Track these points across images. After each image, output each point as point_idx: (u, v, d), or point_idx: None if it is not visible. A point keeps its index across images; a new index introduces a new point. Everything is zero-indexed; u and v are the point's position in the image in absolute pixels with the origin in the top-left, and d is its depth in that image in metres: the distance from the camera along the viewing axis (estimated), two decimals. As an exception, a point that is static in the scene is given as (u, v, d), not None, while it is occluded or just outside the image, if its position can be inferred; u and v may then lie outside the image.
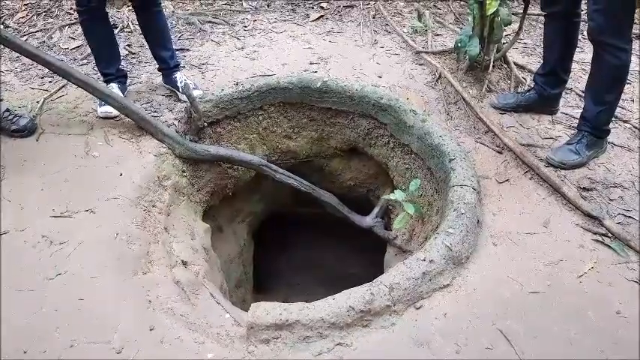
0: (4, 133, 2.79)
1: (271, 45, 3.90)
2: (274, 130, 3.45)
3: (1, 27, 3.99)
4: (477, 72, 3.34)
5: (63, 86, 3.21)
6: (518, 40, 3.40)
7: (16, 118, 2.80)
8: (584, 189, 2.58)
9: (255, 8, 4.58)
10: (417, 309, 2.06)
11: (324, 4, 4.61)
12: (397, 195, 2.68)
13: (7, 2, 4.42)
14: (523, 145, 2.82)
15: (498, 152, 2.83)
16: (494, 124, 2.94)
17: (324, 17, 4.40)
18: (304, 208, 3.91)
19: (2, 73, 3.41)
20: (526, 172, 2.70)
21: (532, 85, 3.14)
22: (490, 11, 2.86)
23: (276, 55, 3.72)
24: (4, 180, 2.54)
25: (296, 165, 3.59)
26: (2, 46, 3.33)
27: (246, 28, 4.19)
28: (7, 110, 2.81)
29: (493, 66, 3.30)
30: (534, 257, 2.26)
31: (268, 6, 4.64)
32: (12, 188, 2.50)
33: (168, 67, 3.16)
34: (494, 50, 3.28)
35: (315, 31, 4.13)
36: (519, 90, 3.29)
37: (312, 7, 4.59)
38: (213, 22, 4.26)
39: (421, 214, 2.80)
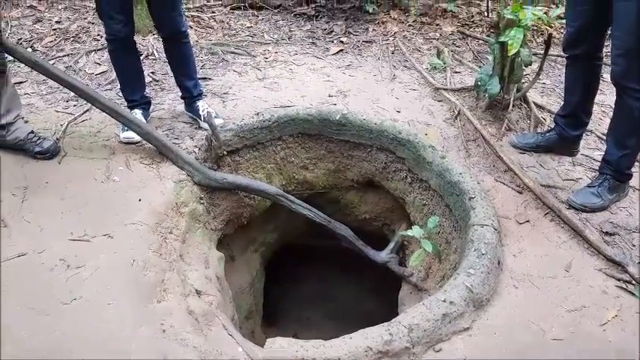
0: (27, 155, 2.82)
1: (291, 77, 3.95)
2: (292, 161, 3.47)
3: (30, 50, 4.08)
4: (497, 110, 3.35)
5: (87, 110, 3.26)
6: (538, 81, 3.41)
7: (40, 140, 2.83)
8: (607, 233, 2.54)
9: (277, 40, 4.66)
10: (437, 352, 2.01)
11: (344, 39, 4.69)
12: (415, 232, 2.66)
13: (36, 27, 4.54)
14: (543, 185, 2.80)
15: (518, 192, 2.81)
16: (514, 164, 2.92)
17: (344, 51, 4.46)
18: (318, 240, 3.89)
19: (28, 96, 3.47)
20: (547, 213, 2.67)
21: (552, 126, 3.14)
22: (512, 52, 2.87)
23: (296, 87, 3.76)
24: (25, 201, 2.55)
25: (312, 196, 3.60)
26: (30, 69, 3.39)
27: (267, 60, 4.25)
28: (32, 132, 2.84)
29: (513, 105, 3.31)
30: (556, 302, 2.21)
31: (289, 39, 4.72)
32: (32, 210, 2.50)
33: (191, 96, 3.21)
34: (514, 90, 3.30)
35: (334, 65, 4.18)
36: (539, 130, 3.29)
37: (332, 41, 4.67)
38: (236, 53, 4.33)
39: (438, 252, 2.77)
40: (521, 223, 2.63)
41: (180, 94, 3.29)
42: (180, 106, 3.36)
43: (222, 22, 5.01)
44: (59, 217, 2.48)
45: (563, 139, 3.01)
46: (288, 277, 4.54)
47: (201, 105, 3.21)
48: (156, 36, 4.35)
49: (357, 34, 4.81)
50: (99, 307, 2.08)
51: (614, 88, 2.55)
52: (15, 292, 2.11)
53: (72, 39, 4.37)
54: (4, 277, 2.17)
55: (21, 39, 4.30)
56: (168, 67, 3.49)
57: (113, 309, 2.09)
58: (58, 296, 2.10)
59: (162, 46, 3.31)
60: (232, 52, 4.34)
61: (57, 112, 3.31)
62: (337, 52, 4.43)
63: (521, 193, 2.80)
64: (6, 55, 2.67)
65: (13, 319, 2.01)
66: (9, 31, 4.36)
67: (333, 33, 4.84)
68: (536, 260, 2.42)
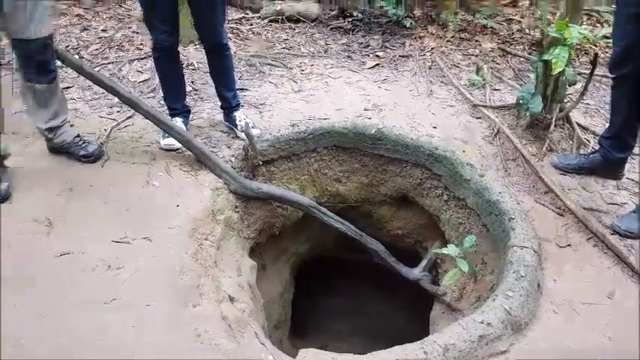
0: (73, 158, 2.90)
1: (327, 90, 3.96)
2: (325, 173, 3.47)
3: (77, 57, 4.20)
4: (538, 130, 3.29)
5: (129, 117, 3.33)
6: (582, 101, 3.35)
7: (85, 144, 2.92)
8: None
9: (313, 53, 4.69)
10: (472, 374, 1.97)
11: (380, 53, 4.69)
12: (450, 250, 2.62)
13: (83, 35, 4.68)
14: (586, 209, 2.73)
15: (559, 215, 2.75)
16: (555, 185, 2.87)
17: (380, 65, 4.46)
18: (350, 254, 3.87)
19: (74, 101, 3.56)
20: (589, 237, 2.60)
21: (596, 148, 3.07)
22: (556, 71, 2.83)
23: (332, 100, 3.77)
24: (70, 202, 2.62)
25: (344, 209, 3.58)
26: (76, 75, 3.49)
27: (303, 72, 4.28)
28: (78, 136, 2.94)
29: (555, 125, 3.24)
30: (598, 330, 2.15)
31: (325, 52, 4.75)
32: (76, 211, 2.57)
33: (229, 106, 3.25)
34: (557, 109, 3.24)
35: (370, 79, 4.18)
36: (582, 151, 3.22)
37: (368, 55, 4.68)
38: (272, 65, 4.37)
39: (474, 272, 2.72)
40: (562, 247, 2.57)
41: (218, 103, 3.34)
42: (219, 116, 3.40)
43: (260, 34, 5.08)
44: (101, 219, 2.54)
45: (608, 161, 2.93)
46: (317, 288, 4.52)
47: (239, 115, 3.25)
48: (197, 46, 4.43)
49: (393, 48, 4.81)
50: (137, 308, 2.12)
51: None
52: (57, 290, 2.17)
53: (116, 47, 4.49)
54: (49, 274, 2.23)
55: (68, 46, 4.43)
56: (207, 77, 3.55)
57: (151, 310, 2.13)
58: (99, 296, 2.15)
59: (203, 57, 3.37)
60: (269, 64, 4.38)
61: (101, 117, 3.40)
62: (373, 66, 4.44)
63: (562, 215, 2.74)
64: (57, 61, 2.77)
65: (55, 315, 2.06)
66: (57, 39, 4.49)
67: (370, 47, 4.85)
68: (577, 285, 2.36)
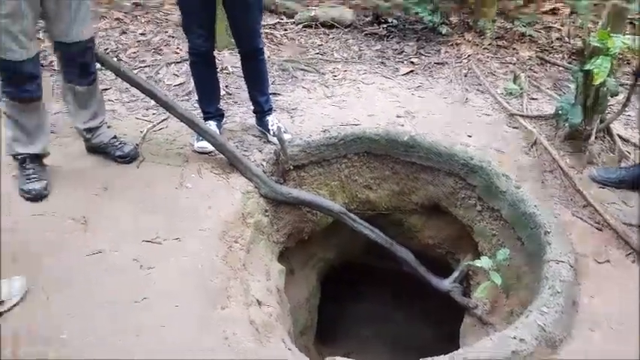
0: (109, 158, 2.97)
1: (359, 96, 3.94)
2: (356, 180, 3.45)
3: (115, 60, 4.29)
4: (577, 141, 3.19)
5: (165, 119, 3.38)
6: (623, 112, 3.24)
7: (121, 145, 2.98)
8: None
9: (346, 59, 4.68)
10: (503, 390, 1.92)
11: (415, 60, 4.65)
12: (483, 262, 2.58)
13: (121, 38, 4.79)
14: (626, 224, 2.63)
15: (598, 229, 2.66)
16: (594, 199, 2.77)
17: (414, 72, 4.42)
18: (378, 261, 3.83)
19: (112, 102, 3.64)
20: (629, 253, 2.51)
21: (637, 161, 2.96)
22: (597, 81, 2.74)
23: (364, 106, 3.75)
24: (105, 201, 2.68)
25: (374, 216, 3.55)
26: (114, 77, 3.56)
27: (335, 78, 4.27)
28: (115, 137, 3.00)
29: (595, 137, 3.14)
30: (636, 350, 2.06)
31: (359, 58, 4.73)
32: (111, 210, 2.62)
33: (262, 111, 3.27)
34: (597, 120, 3.14)
35: (404, 85, 4.14)
36: (623, 164, 3.11)
37: (402, 62, 4.64)
38: (305, 70, 4.38)
39: (507, 286, 2.66)
40: (600, 263, 2.48)
41: (251, 108, 3.36)
42: (251, 120, 3.42)
43: (294, 39, 5.10)
44: (135, 218, 2.58)
45: (650, 175, 2.84)
46: (344, 294, 4.50)
47: (271, 120, 3.26)
48: (231, 51, 4.47)
49: (428, 55, 4.76)
50: (167, 309, 2.15)
51: None
52: (90, 287, 2.21)
53: (153, 51, 4.57)
54: (82, 272, 2.28)
55: (107, 49, 4.53)
56: (241, 81, 3.58)
57: (180, 311, 2.15)
58: (130, 294, 2.18)
59: (238, 62, 3.40)
60: (302, 69, 4.39)
61: (137, 119, 3.46)
62: (407, 73, 4.39)
63: (601, 230, 2.65)
64: (97, 64, 2.84)
65: (87, 312, 2.10)
66: (97, 42, 4.58)
67: (404, 53, 4.81)
68: (615, 304, 2.27)
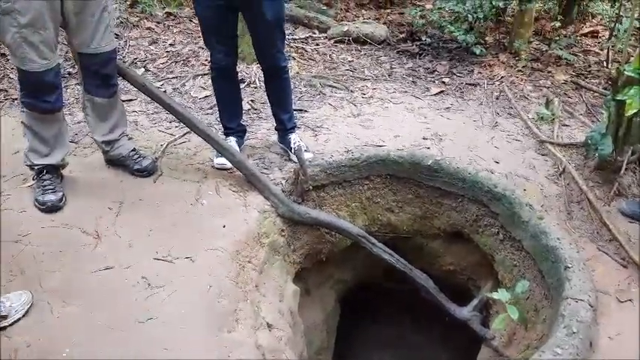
0: (127, 171, 2.98)
1: (387, 115, 3.89)
2: (377, 202, 3.41)
3: (143, 70, 4.37)
4: (607, 172, 3.06)
5: (187, 132, 3.39)
6: (657, 144, 3.10)
7: (139, 159, 2.98)
8: None
9: (376, 77, 4.64)
10: None
11: (446, 80, 4.57)
12: (501, 295, 2.49)
13: (151, 47, 4.86)
14: (654, 261, 2.51)
15: (623, 266, 2.54)
16: (621, 233, 2.66)
17: (445, 92, 4.34)
18: (397, 285, 3.76)
19: (136, 113, 3.69)
20: (654, 293, 2.39)
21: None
22: (630, 112, 2.63)
23: (390, 126, 3.70)
24: (119, 216, 2.69)
25: (394, 240, 3.49)
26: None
27: (364, 96, 4.23)
28: (134, 150, 3.01)
29: (626, 169, 3.01)
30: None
31: (389, 75, 4.68)
32: (124, 225, 2.64)
33: (284, 129, 3.25)
34: (629, 152, 3.01)
35: (433, 106, 4.07)
36: (654, 198, 2.97)
37: (434, 81, 4.57)
38: (334, 87, 4.36)
39: (525, 320, 2.56)
40: (622, 302, 2.37)
41: (275, 124, 3.36)
42: (274, 137, 3.41)
43: (325, 54, 5.08)
44: (148, 234, 2.59)
45: (680, 211, 2.70)
46: (362, 317, 4.43)
47: (294, 138, 3.24)
48: (259, 65, 4.49)
49: (460, 75, 4.67)
50: (172, 330, 2.13)
51: None
52: (96, 304, 2.22)
53: (182, 62, 4.61)
54: (90, 288, 2.29)
55: (136, 58, 4.60)
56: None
57: (184, 334, 2.13)
58: (135, 314, 2.18)
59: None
60: (330, 86, 4.37)
61: (160, 131, 3.49)
62: (438, 93, 4.32)
63: (626, 267, 2.54)
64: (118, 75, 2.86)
65: (91, 331, 2.10)
66: (126, 50, 4.68)
67: (436, 73, 4.74)
68: (635, 346, 2.16)
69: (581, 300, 2.23)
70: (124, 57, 4.51)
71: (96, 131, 2.92)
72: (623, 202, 2.90)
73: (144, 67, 4.46)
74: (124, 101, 3.30)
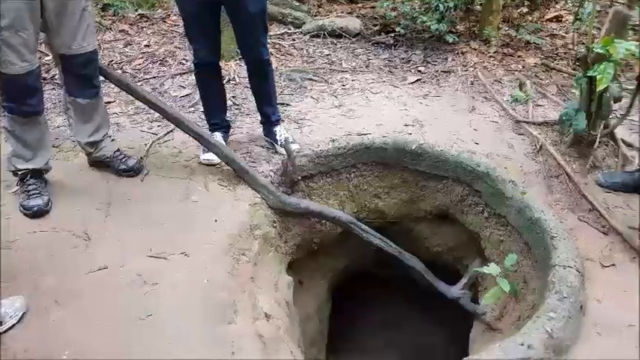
0: (112, 172, 2.96)
1: (367, 105, 3.96)
2: (365, 189, 3.46)
3: (119, 72, 4.34)
4: (582, 147, 3.18)
5: (170, 131, 3.40)
6: (627, 117, 3.22)
7: (125, 158, 2.97)
8: None
9: (354, 68, 4.71)
10: (512, 398, 1.91)
11: (422, 68, 4.66)
12: (491, 269, 2.56)
13: (126, 50, 4.83)
14: (631, 227, 2.62)
15: (603, 233, 2.66)
16: (599, 203, 2.77)
17: (421, 81, 4.43)
18: (388, 270, 3.82)
19: (116, 115, 3.67)
20: (634, 257, 2.50)
21: (642, 166, 2.95)
22: (601, 87, 2.73)
23: (372, 115, 3.77)
24: (109, 216, 2.68)
25: (383, 225, 3.55)
26: (120, 90, 3.59)
27: (344, 87, 4.29)
28: (118, 150, 2.99)
29: (599, 142, 3.13)
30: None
31: (366, 67, 4.75)
32: (114, 225, 2.63)
33: (269, 122, 3.29)
34: (602, 126, 3.13)
35: (411, 94, 4.16)
36: (627, 169, 3.10)
37: (410, 71, 4.65)
38: (313, 80, 4.41)
39: (516, 292, 2.64)
40: (606, 267, 2.48)
41: (259, 118, 3.38)
42: (259, 131, 3.44)
43: (302, 49, 5.13)
44: (139, 233, 2.58)
45: (653, 179, 2.82)
46: (355, 305, 4.48)
47: (279, 130, 3.28)
48: (238, 62, 4.51)
49: (435, 63, 4.77)
50: (172, 325, 2.14)
51: None
52: (94, 304, 2.21)
53: (159, 62, 4.60)
54: (85, 289, 2.28)
55: (112, 61, 4.57)
56: (249, 91, 3.60)
57: (186, 328, 2.14)
58: (134, 311, 2.18)
59: (245, 72, 3.43)
60: (310, 79, 4.42)
61: (142, 131, 3.48)
62: (415, 82, 4.41)
63: (606, 234, 2.65)
64: (100, 77, 2.85)
65: (91, 331, 2.10)
66: (101, 53, 4.61)
67: (411, 62, 4.83)
68: (622, 307, 2.26)
69: (569, 267, 2.32)
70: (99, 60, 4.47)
71: (79, 133, 2.89)
72: (599, 174, 3.01)
73: (120, 70, 4.42)
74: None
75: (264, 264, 2.85)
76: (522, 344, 2.01)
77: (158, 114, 3.19)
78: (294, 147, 3.13)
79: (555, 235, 2.49)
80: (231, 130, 3.42)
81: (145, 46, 4.92)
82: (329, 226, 3.27)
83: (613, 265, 2.49)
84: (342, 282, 4.08)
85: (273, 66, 4.52)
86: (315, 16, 5.82)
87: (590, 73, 2.86)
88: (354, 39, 5.35)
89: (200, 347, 2.07)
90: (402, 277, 3.35)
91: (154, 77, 4.33)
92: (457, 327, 3.32)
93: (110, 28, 5.19)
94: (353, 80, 4.40)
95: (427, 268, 3.16)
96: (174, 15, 5.56)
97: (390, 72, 4.62)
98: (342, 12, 6.00)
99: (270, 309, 2.57)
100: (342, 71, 4.61)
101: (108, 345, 2.04)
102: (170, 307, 2.22)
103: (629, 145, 3.32)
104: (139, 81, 4.24)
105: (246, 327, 2.28)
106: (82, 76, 2.70)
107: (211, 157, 3.04)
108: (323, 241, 3.40)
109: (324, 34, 5.35)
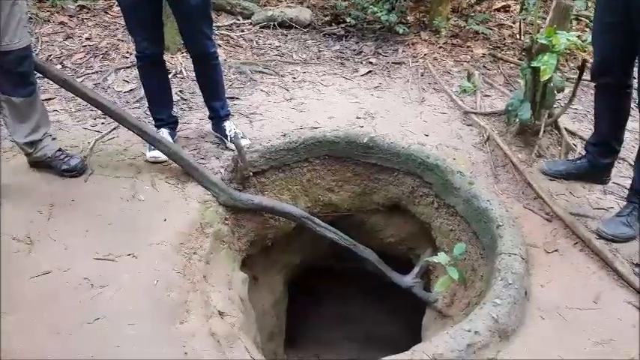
0: (54, 172, 2.85)
1: (319, 98, 3.95)
2: (317, 183, 3.46)
3: (60, 67, 4.16)
4: (527, 136, 3.29)
5: (114, 128, 3.29)
6: (570, 106, 3.34)
7: (67, 158, 2.86)
8: (637, 265, 2.46)
9: (305, 60, 4.68)
10: (460, 383, 1.95)
11: (373, 60, 4.68)
12: (441, 258, 2.61)
13: (66, 43, 4.61)
14: (573, 214, 2.73)
15: (547, 220, 2.75)
16: (544, 191, 2.86)
17: (373, 72, 4.46)
18: (342, 263, 3.85)
19: (57, 112, 3.52)
20: (576, 243, 2.60)
21: (583, 153, 3.07)
22: (544, 77, 2.82)
23: (324, 108, 3.76)
24: (52, 219, 2.58)
25: (337, 218, 3.56)
26: (59, 87, 3.45)
27: (295, 80, 4.27)
28: (59, 150, 2.88)
29: (544, 131, 3.24)
30: (584, 334, 2.15)
31: (318, 59, 4.74)
32: (58, 228, 2.53)
33: (218, 117, 3.23)
34: (546, 115, 3.23)
35: (362, 86, 4.17)
36: (570, 157, 3.22)
37: (361, 62, 4.67)
38: (264, 73, 4.36)
39: (464, 279, 2.71)
40: (549, 253, 2.57)
41: (207, 113, 3.32)
42: (208, 126, 3.38)
43: (251, 40, 5.06)
44: (84, 235, 2.50)
45: (594, 167, 2.94)
46: (311, 299, 4.50)
47: (229, 125, 3.22)
48: (184, 54, 4.40)
49: (386, 55, 4.80)
50: (122, 328, 2.09)
51: None
52: (39, 310, 2.13)
53: (101, 56, 4.42)
54: (29, 295, 2.19)
55: (51, 55, 4.37)
56: (196, 86, 3.52)
57: (135, 329, 2.09)
58: (82, 315, 2.11)
59: (192, 65, 3.34)
60: (260, 72, 4.37)
61: (85, 129, 3.35)
62: (366, 73, 4.43)
63: (550, 221, 2.74)
64: (35, 72, 2.72)
65: (37, 338, 2.02)
66: (39, 48, 4.43)
67: (362, 54, 4.84)
68: (564, 291, 2.36)
69: (514, 254, 2.39)
70: (37, 55, 4.27)
71: (17, 133, 2.76)
72: (544, 163, 3.11)
73: (60, 64, 4.23)
74: (42, 100, 3.13)
75: (216, 262, 2.82)
76: (469, 330, 2.07)
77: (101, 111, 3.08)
78: (244, 142, 3.09)
79: (501, 224, 2.56)
80: (179, 126, 3.34)
81: (87, 39, 4.71)
82: (282, 221, 3.26)
83: (556, 250, 2.58)
84: (298, 277, 4.09)
85: (222, 58, 4.46)
86: (265, 6, 5.75)
87: (534, 64, 2.94)
88: (305, 30, 5.31)
89: (151, 348, 2.03)
90: (357, 269, 3.38)
91: (97, 72, 4.17)
92: (411, 316, 3.39)
93: (48, 21, 4.93)
94: (304, 72, 4.38)
95: (380, 259, 3.20)
96: (117, 6, 5.34)
97: (342, 64, 4.62)
98: (292, 2, 5.95)
99: (223, 306, 2.55)
100: (293, 63, 4.58)
101: (53, 351, 1.98)
102: (119, 310, 2.16)
103: (572, 134, 3.45)
104: (81, 76, 4.07)
105: (199, 326, 2.25)
106: (16, 73, 2.58)
107: (158, 154, 2.95)
108: (277, 237, 3.38)
109: (274, 25, 5.29)
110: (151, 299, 2.23)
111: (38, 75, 2.82)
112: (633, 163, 2.89)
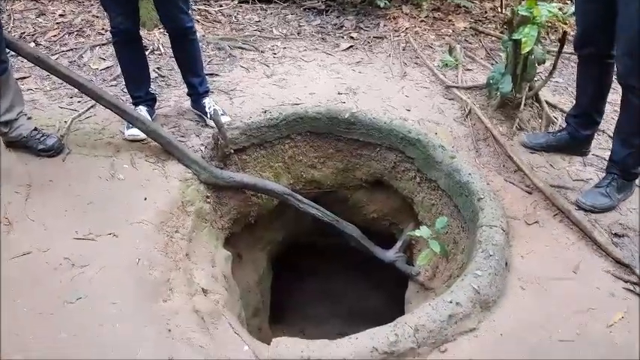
0: (31, 152, 2.79)
1: (300, 73, 3.90)
2: (300, 160, 3.44)
3: (33, 45, 4.05)
4: (508, 109, 3.29)
5: (91, 107, 3.21)
6: (551, 79, 3.35)
7: (43, 138, 2.80)
8: (616, 235, 2.51)
9: (285, 35, 4.61)
10: (442, 352, 2.00)
11: (354, 35, 4.63)
12: (423, 232, 2.64)
13: (39, 20, 4.47)
14: (553, 186, 2.76)
15: (528, 192, 2.78)
16: (524, 164, 2.88)
17: (354, 47, 4.41)
18: (325, 239, 3.87)
19: (32, 91, 3.43)
20: (556, 214, 2.63)
21: (563, 126, 3.09)
22: (525, 50, 2.82)
23: (305, 84, 3.72)
24: (29, 199, 2.53)
25: (320, 195, 3.57)
26: (33, 65, 3.36)
27: (275, 56, 4.20)
28: (35, 129, 2.82)
29: (525, 104, 3.25)
30: (563, 304, 2.20)
31: (298, 34, 4.67)
32: (36, 208, 2.49)
33: (197, 93, 3.17)
34: (527, 88, 3.24)
35: (344, 61, 4.13)
36: (550, 129, 3.24)
37: (342, 37, 4.61)
38: (243, 48, 4.29)
39: (446, 252, 2.74)
40: (530, 224, 2.60)
41: (186, 90, 3.26)
42: (187, 103, 3.32)
43: (230, 16, 4.95)
44: (63, 215, 2.47)
45: (575, 139, 2.97)
46: (296, 275, 4.53)
47: (208, 102, 3.17)
48: (162, 30, 4.29)
49: (367, 29, 4.75)
50: (104, 307, 2.08)
51: None
52: (19, 291, 2.11)
53: (76, 33, 4.30)
54: (9, 276, 2.16)
55: (24, 33, 4.23)
56: (174, 62, 3.44)
57: (118, 308, 2.09)
58: (63, 295, 2.10)
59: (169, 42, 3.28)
60: (240, 48, 4.29)
61: (61, 108, 3.27)
62: (347, 48, 4.38)
63: (530, 193, 2.77)
64: (8, 50, 2.64)
65: (18, 318, 2.01)
66: (12, 25, 4.30)
67: (344, 28, 4.78)
68: (544, 261, 2.40)
69: (495, 226, 2.42)
70: (9, 32, 4.14)
71: None
72: (524, 136, 3.13)
73: (34, 42, 4.10)
74: (16, 79, 3.04)
75: (199, 240, 2.81)
76: (451, 302, 2.09)
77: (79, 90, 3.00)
78: (224, 119, 3.05)
79: (482, 197, 2.59)
80: (158, 103, 3.28)
81: (60, 15, 4.56)
82: (265, 198, 3.25)
83: (536, 222, 2.61)
84: (282, 253, 4.10)
85: (200, 34, 4.38)
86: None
87: (515, 37, 2.93)
88: (285, 4, 5.22)
89: (133, 327, 2.03)
90: (340, 245, 3.40)
91: (72, 49, 4.05)
92: (394, 290, 3.43)
93: (21, -4, 4.77)
94: (284, 48, 4.32)
95: (364, 235, 3.21)
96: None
97: (323, 39, 4.56)
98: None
99: (207, 284, 2.55)
100: (273, 39, 4.51)
101: (35, 331, 1.97)
102: (101, 289, 2.15)
103: (552, 106, 3.47)
104: (55, 54, 3.95)
105: (182, 303, 2.25)
106: None
107: (136, 132, 2.90)
108: (260, 214, 3.38)
109: (253, 0, 5.19)
110: (133, 278, 2.22)
111: (11, 53, 2.74)
112: (612, 135, 2.93)
